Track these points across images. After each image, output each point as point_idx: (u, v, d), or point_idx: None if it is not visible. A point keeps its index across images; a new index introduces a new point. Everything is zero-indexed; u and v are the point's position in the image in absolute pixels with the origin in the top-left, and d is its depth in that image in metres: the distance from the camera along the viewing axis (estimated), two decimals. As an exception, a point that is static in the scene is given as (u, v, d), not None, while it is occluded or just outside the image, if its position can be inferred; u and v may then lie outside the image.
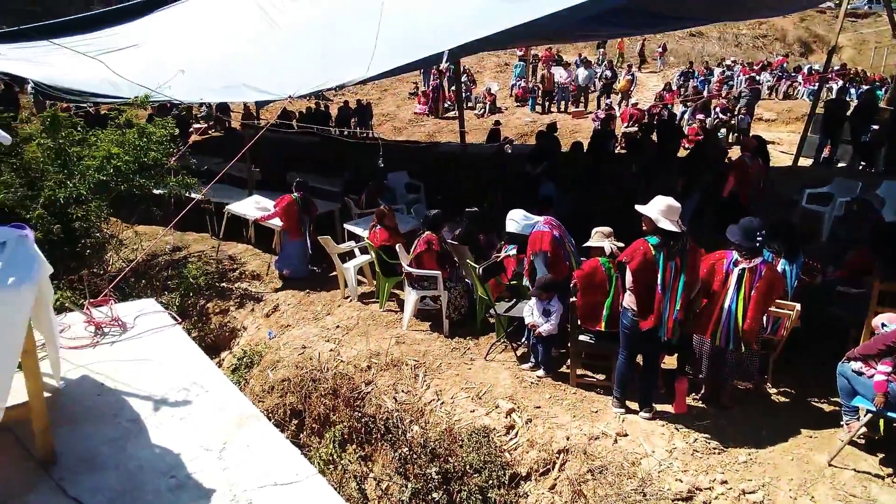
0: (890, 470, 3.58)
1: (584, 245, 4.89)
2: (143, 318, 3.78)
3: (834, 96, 12.30)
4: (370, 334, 5.70)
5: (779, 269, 4.34)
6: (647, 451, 3.80)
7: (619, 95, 16.85)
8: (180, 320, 3.90)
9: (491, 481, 3.83)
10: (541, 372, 4.79)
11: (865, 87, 13.62)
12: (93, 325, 3.58)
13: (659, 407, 4.25)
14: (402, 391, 4.86)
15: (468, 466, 3.97)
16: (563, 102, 17.49)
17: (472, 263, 5.37)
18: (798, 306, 4.23)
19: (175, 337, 3.61)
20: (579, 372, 4.70)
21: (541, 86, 17.64)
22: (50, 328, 2.81)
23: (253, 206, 7.97)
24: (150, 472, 2.43)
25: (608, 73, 17.07)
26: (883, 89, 16.41)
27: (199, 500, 2.29)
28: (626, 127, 13.62)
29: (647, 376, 4.20)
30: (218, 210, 8.39)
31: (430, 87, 18.75)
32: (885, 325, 3.60)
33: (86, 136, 6.92)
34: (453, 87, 17.51)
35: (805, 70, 18.51)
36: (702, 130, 11.71)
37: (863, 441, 3.82)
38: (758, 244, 3.96)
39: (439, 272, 5.49)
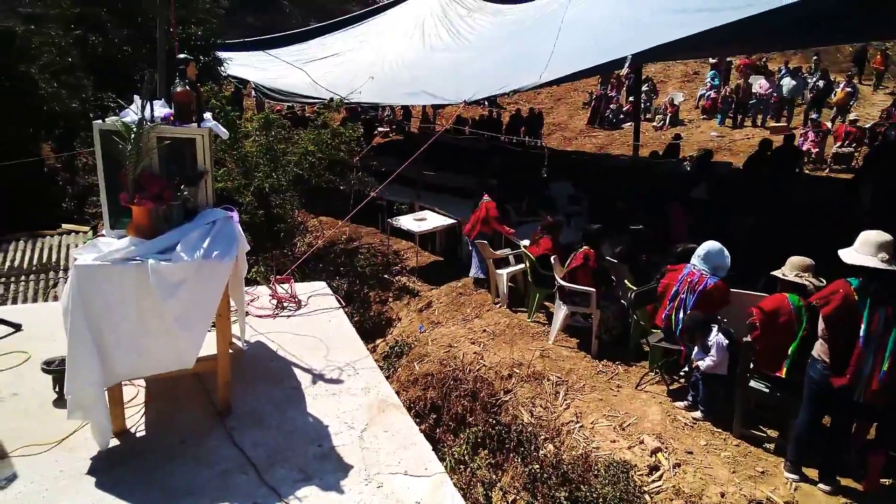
0: None
1: (773, 273, 4.28)
2: (316, 297, 4.24)
3: None
4: (515, 343, 5.67)
5: None
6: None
7: (834, 110, 14.45)
8: (345, 304, 4.29)
9: (625, 521, 3.55)
10: (698, 414, 4.30)
11: None
12: (276, 298, 4.11)
13: (845, 482, 3.54)
14: (541, 406, 4.75)
15: (601, 499, 3.72)
16: (759, 116, 15.56)
17: (630, 285, 5.04)
18: None
19: (339, 319, 3.99)
20: (747, 422, 4.12)
21: (735, 96, 15.90)
22: (241, 297, 3.28)
23: (412, 221, 8.29)
24: (301, 436, 2.71)
25: (821, 83, 14.74)
26: None
27: (337, 472, 2.48)
28: (838, 147, 11.66)
29: (834, 442, 3.52)
30: (389, 207, 9.07)
31: (594, 97, 18.09)
32: None
33: (290, 135, 7.99)
34: (631, 97, 16.67)
35: None
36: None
37: None
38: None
39: (593, 289, 5.25)
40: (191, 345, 2.47)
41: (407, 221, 8.30)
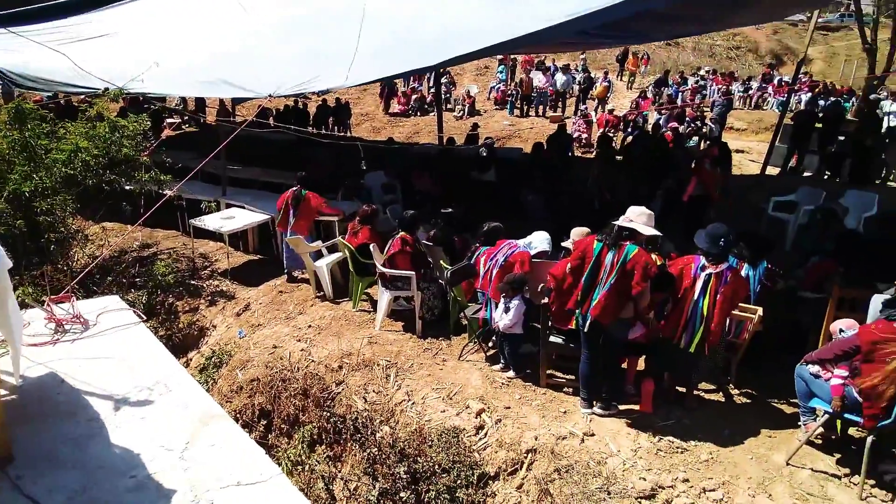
0: (847, 470, 3.70)
1: (562, 245, 4.99)
2: (106, 315, 3.71)
3: (803, 107, 12.67)
4: (342, 334, 5.67)
5: (742, 274, 4.46)
6: (612, 450, 3.87)
7: (597, 101, 17.07)
8: (145, 318, 3.83)
9: (459, 481, 3.85)
10: (511, 373, 4.83)
11: (833, 99, 14.03)
12: (53, 321, 3.50)
13: (627, 408, 4.33)
14: (373, 391, 4.85)
15: (437, 466, 3.98)
16: (541, 107, 17.66)
17: (446, 265, 5.39)
18: (760, 310, 4.36)
19: (139, 335, 3.55)
20: (550, 372, 4.75)
21: (519, 90, 17.78)
22: (9, 324, 2.73)
23: (219, 220, 7.71)
24: (109, 471, 2.39)
25: (583, 77, 17.30)
26: (850, 101, 16.98)
27: (158, 500, 2.26)
28: (601, 132, 13.81)
29: (608, 376, 4.25)
30: (191, 207, 8.25)
31: (410, 88, 18.79)
32: (843, 331, 3.73)
33: (54, 129, 6.75)
34: (432, 88, 17.56)
35: (775, 81, 19.00)
36: (675, 138, 11.95)
37: (820, 441, 3.95)
38: (723, 250, 4.06)
39: (413, 273, 5.50)
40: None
41: (213, 221, 7.66)
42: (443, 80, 19.61)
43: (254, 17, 7.72)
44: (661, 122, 13.62)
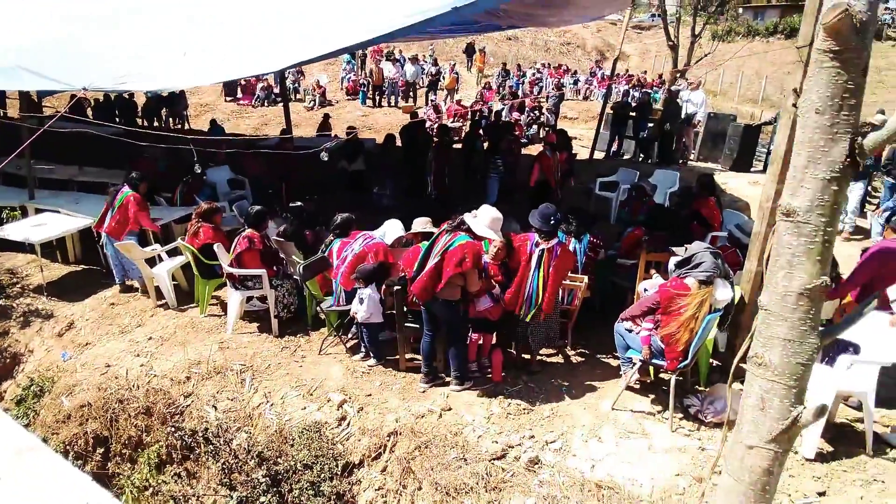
0: (659, 408, 4.34)
1: (411, 232, 5.14)
2: None
3: (620, 98, 14.33)
4: (189, 342, 5.29)
5: (570, 248, 4.99)
6: (468, 420, 4.12)
7: (446, 92, 17.66)
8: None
9: (323, 475, 3.84)
10: (372, 361, 4.90)
11: (644, 91, 16.05)
12: None
13: (483, 380, 4.65)
14: (228, 398, 4.62)
15: (299, 464, 3.92)
16: (393, 97, 17.81)
17: (298, 260, 5.27)
18: (586, 278, 4.92)
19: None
20: (409, 356, 4.91)
21: (370, 80, 17.74)
22: None
23: (28, 228, 6.72)
24: None
25: (433, 69, 17.77)
26: (659, 92, 19.54)
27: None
28: (451, 122, 14.35)
29: (454, 354, 4.51)
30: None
31: (255, 77, 17.75)
32: (647, 290, 4.35)
33: None
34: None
35: (599, 75, 21.19)
36: (516, 127, 12.85)
37: (638, 386, 4.59)
38: (553, 227, 4.51)
39: (264, 270, 5.29)
40: None
41: (19, 229, 6.62)
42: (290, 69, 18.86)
43: (81, 2, 6.72)
44: (503, 112, 14.51)
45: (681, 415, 4.24)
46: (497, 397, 4.42)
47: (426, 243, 4.72)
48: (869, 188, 9.16)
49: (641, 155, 12.07)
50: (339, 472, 3.91)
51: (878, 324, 3.81)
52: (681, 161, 11.60)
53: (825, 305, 4.32)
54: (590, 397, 4.46)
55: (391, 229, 5.38)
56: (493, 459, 3.74)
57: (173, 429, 4.34)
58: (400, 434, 4.05)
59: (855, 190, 7.95)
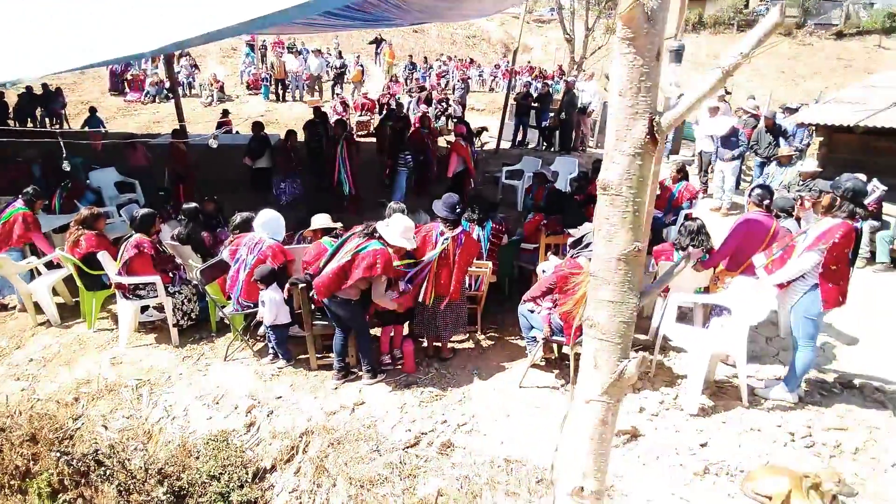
0: (562, 381, 4.59)
1: (310, 229, 5.05)
2: None
3: (523, 90, 14.80)
4: (76, 361, 4.89)
5: (474, 235, 5.12)
6: (381, 412, 4.14)
7: (353, 86, 17.38)
8: None
9: (231, 484, 3.71)
10: (281, 362, 4.77)
11: (544, 82, 16.67)
12: None
13: (395, 371, 4.68)
14: (123, 417, 4.32)
15: (205, 476, 3.76)
16: (297, 91, 17.27)
17: (195, 264, 5.01)
18: (490, 264, 5.08)
19: None
20: (321, 354, 4.82)
21: (272, 74, 17.09)
22: None
23: None
24: None
25: (338, 62, 17.43)
26: (560, 83, 20.35)
27: None
28: (359, 116, 14.17)
29: (361, 349, 4.52)
30: None
31: (142, 71, 16.58)
32: (545, 272, 4.57)
33: None
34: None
35: (503, 67, 21.73)
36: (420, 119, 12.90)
37: (544, 363, 4.82)
38: (458, 216, 4.60)
39: (157, 277, 4.98)
40: None
41: None
42: (182, 62, 17.75)
43: None
44: (411, 105, 14.53)
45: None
46: (410, 387, 4.47)
47: (329, 240, 4.67)
48: (743, 167, 10.12)
49: (544, 143, 12.57)
50: (249, 480, 3.80)
51: (744, 288, 4.25)
52: (581, 148, 12.21)
53: (701, 275, 4.77)
54: (499, 378, 4.62)
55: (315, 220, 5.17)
56: (407, 448, 3.79)
57: (61, 454, 4.00)
58: (312, 433, 4.00)
59: (728, 170, 8.77)
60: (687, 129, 12.08)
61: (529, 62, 24.26)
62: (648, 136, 1.45)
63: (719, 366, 4.63)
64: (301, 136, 9.84)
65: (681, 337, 4.37)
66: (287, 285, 4.56)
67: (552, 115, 12.45)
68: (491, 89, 20.72)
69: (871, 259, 6.93)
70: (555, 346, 4.81)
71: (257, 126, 9.57)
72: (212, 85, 16.98)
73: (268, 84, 17.23)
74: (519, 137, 12.90)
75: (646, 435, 3.86)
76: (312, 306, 4.57)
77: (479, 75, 20.89)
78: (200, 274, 4.70)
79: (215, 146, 5.14)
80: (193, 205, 5.68)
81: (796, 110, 10.20)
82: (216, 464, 3.80)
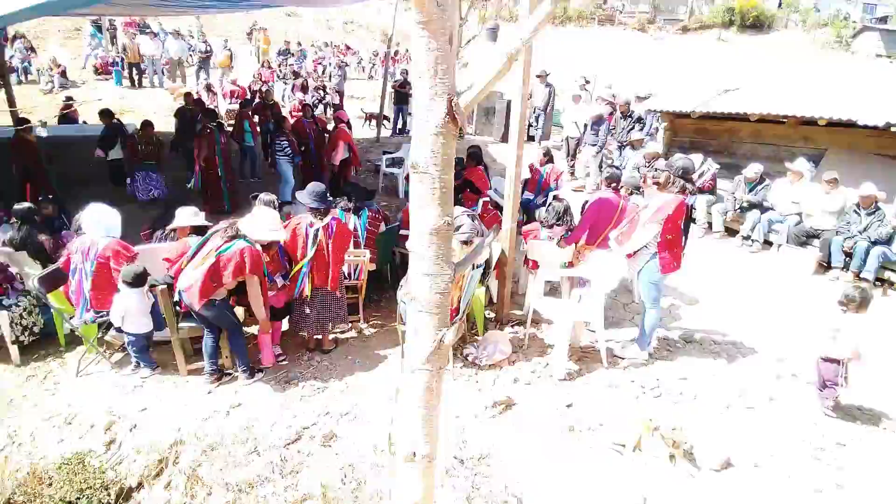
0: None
1: (177, 225, 4.68)
2: None
3: (400, 77, 14.80)
4: None
5: (350, 224, 5.07)
6: (260, 412, 4.00)
7: (221, 71, 16.25)
8: None
9: (90, 508, 3.38)
10: (144, 372, 4.41)
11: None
12: None
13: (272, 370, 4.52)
14: (-49, 451, 3.76)
15: (61, 503, 3.40)
16: (156, 77, 15.80)
17: (32, 271, 4.44)
18: (368, 252, 5.06)
19: None
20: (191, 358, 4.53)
21: (124, 57, 15.47)
22: None
23: None
24: None
25: (203, 46, 16.19)
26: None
27: None
28: (229, 104, 13.32)
29: (233, 348, 4.35)
30: None
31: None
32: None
33: None
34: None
35: (381, 54, 21.57)
36: (302, 107, 12.44)
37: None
38: (327, 204, 4.52)
39: (-16, 290, 4.36)
40: None
41: None
42: (17, 44, 15.53)
43: None
44: (285, 92, 13.94)
45: (461, 364, 4.66)
46: (291, 382, 4.35)
47: (196, 238, 4.36)
48: (605, 152, 11.01)
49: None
50: (112, 501, 3.49)
51: (599, 260, 4.66)
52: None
53: (566, 250, 5.14)
54: (382, 365, 4.65)
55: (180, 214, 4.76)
56: (288, 444, 3.70)
57: None
58: (183, 443, 3.76)
59: (591, 153, 9.51)
60: (555, 116, 12.85)
61: (407, 50, 24.28)
62: (448, 117, 1.53)
63: (586, 333, 5.04)
64: (170, 127, 9.04)
65: (548, 309, 4.70)
66: (145, 287, 4.20)
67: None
68: (370, 77, 20.48)
69: (709, 228, 7.91)
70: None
71: (106, 114, 8.63)
72: (52, 70, 14.98)
73: (119, 69, 15.57)
74: (399, 125, 12.92)
75: (519, 403, 4.11)
76: (176, 308, 4.27)
77: (358, 63, 20.56)
78: (39, 282, 4.18)
79: (45, 135, 4.57)
80: (26, 205, 5.02)
81: (646, 98, 11.25)
82: (72, 489, 3.44)
